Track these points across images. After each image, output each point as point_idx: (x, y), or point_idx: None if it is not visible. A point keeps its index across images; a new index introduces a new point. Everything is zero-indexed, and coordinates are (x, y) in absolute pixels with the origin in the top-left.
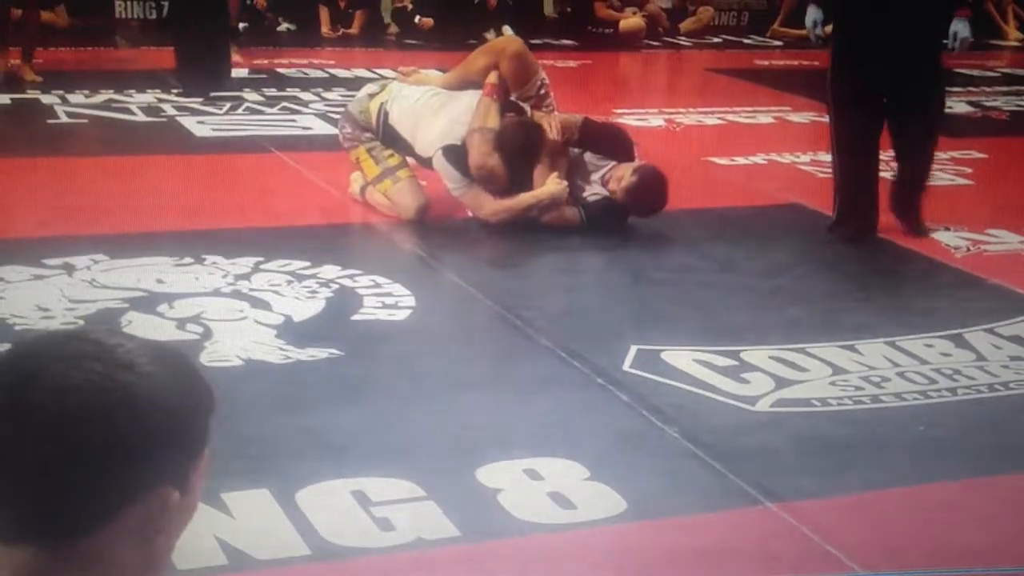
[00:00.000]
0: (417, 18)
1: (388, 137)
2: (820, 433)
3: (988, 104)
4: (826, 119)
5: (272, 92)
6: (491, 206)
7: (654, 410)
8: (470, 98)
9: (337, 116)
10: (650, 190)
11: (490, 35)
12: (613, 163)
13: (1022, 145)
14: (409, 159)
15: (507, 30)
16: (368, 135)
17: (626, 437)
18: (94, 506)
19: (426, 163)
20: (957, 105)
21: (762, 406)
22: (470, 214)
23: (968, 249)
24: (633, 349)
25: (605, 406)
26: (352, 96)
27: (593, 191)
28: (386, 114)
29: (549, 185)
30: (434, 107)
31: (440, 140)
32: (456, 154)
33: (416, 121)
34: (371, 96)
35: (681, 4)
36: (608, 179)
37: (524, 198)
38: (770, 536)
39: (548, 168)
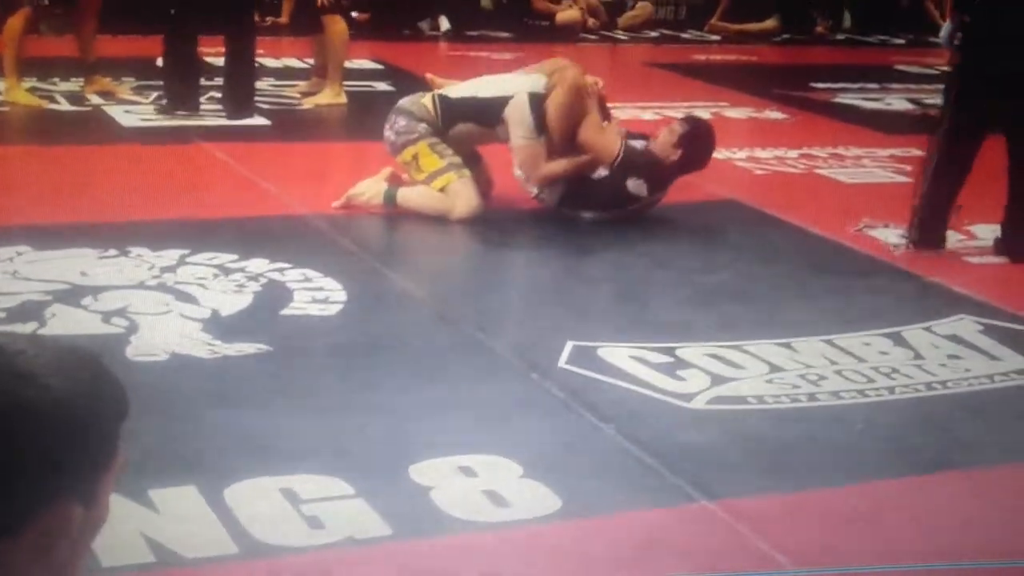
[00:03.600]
0: (354, 13)
1: (449, 114)
2: (756, 431)
3: (927, 102)
4: (765, 115)
5: (200, 81)
6: (547, 169)
7: (590, 407)
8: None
9: (264, 106)
10: (702, 138)
11: (424, 25)
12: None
13: None
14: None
15: (443, 21)
16: (424, 126)
17: (561, 434)
18: None
19: (490, 112)
20: (896, 102)
21: (698, 403)
22: (517, 172)
23: (906, 247)
24: (569, 345)
25: (540, 403)
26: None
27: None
28: (442, 96)
29: (609, 142)
30: (500, 75)
31: (527, 86)
32: (539, 106)
33: (486, 82)
34: (421, 94)
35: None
36: (652, 144)
37: (577, 165)
38: (706, 534)
39: (592, 121)
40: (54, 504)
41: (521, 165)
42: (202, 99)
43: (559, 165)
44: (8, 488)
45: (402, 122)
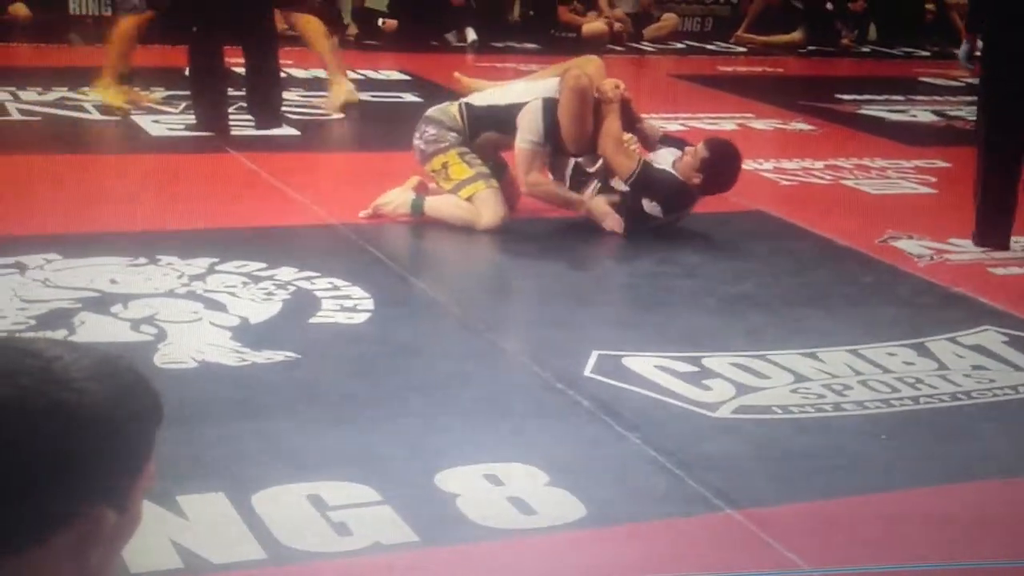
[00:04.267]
0: (381, 21)
1: (474, 123)
2: (781, 440)
3: (952, 114)
4: (791, 126)
5: (229, 92)
6: (536, 178)
7: (615, 416)
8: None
9: (293, 116)
10: (725, 164)
11: (451, 36)
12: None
13: None
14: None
15: (470, 33)
16: (454, 135)
17: (586, 443)
18: (24, 527)
19: (509, 119)
20: (921, 114)
21: (723, 413)
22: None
23: (931, 258)
24: (594, 354)
25: (566, 411)
26: (308, 95)
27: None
28: (468, 104)
29: (598, 204)
30: (527, 81)
31: (546, 91)
32: (555, 111)
33: (508, 89)
34: (449, 103)
35: (646, 10)
36: (678, 162)
37: (567, 196)
38: (730, 543)
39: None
40: (88, 509)
41: (517, 165)
42: (231, 109)
43: (551, 185)
44: (43, 492)
45: (431, 131)
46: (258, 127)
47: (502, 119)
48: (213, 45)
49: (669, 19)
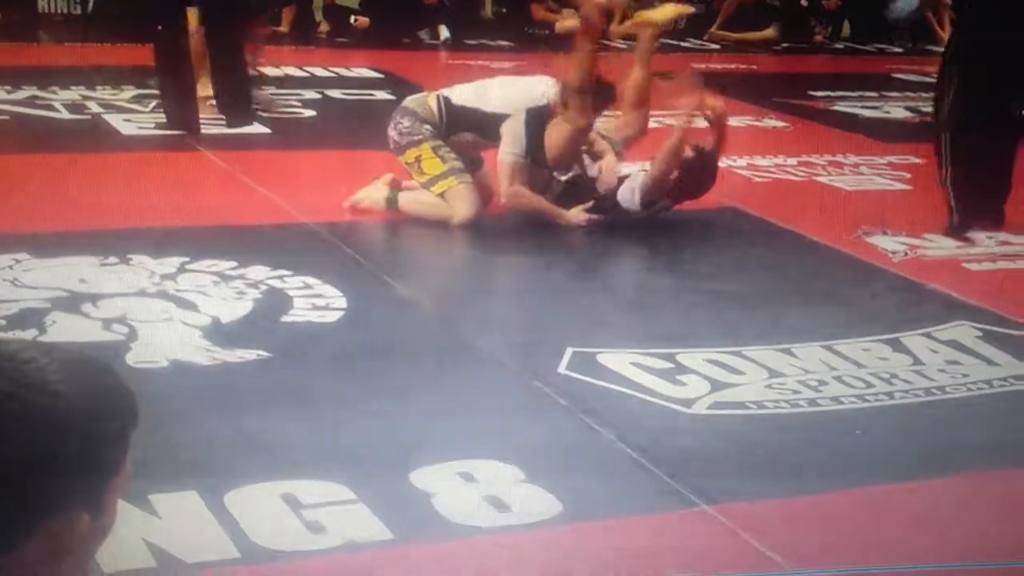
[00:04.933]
0: (353, 18)
1: (452, 120)
2: (756, 436)
3: (926, 109)
4: (765, 123)
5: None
6: (518, 189)
7: (590, 412)
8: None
9: (264, 114)
10: (702, 171)
11: (424, 34)
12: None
13: None
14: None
15: (443, 30)
16: (428, 128)
17: (562, 440)
18: (4, 529)
19: (490, 125)
20: (894, 110)
21: (698, 409)
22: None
23: (906, 254)
24: (569, 351)
25: (541, 409)
26: (280, 93)
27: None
28: (447, 99)
29: (575, 215)
30: (505, 79)
31: (525, 100)
32: (536, 122)
33: (487, 88)
34: (427, 94)
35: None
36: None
37: (547, 208)
38: (706, 539)
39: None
40: (62, 511)
41: (499, 176)
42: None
43: (533, 198)
44: (18, 495)
45: (405, 123)
46: (229, 125)
47: (484, 125)
48: (179, 43)
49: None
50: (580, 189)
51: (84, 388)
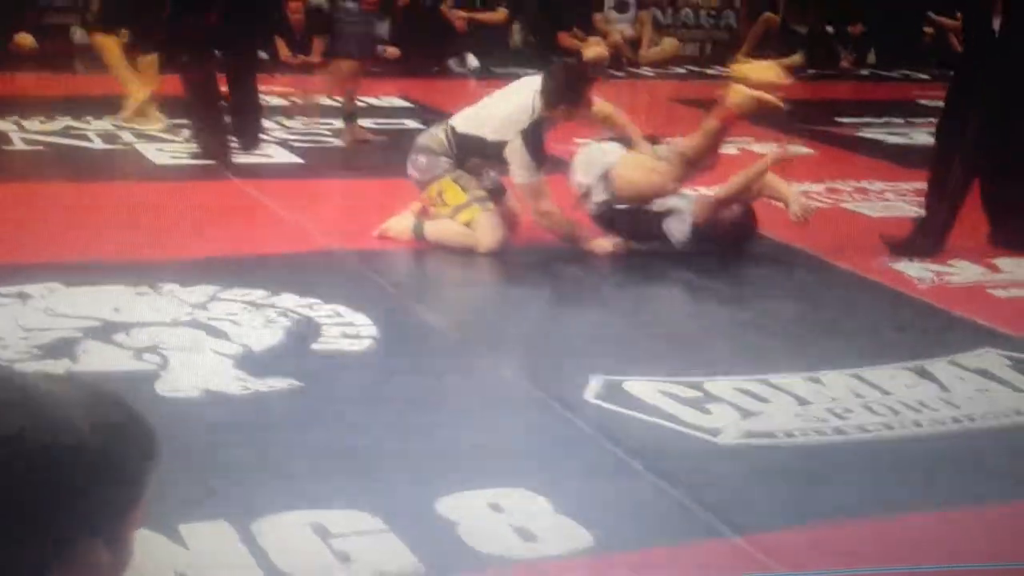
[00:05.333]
0: (382, 48)
1: (461, 149)
2: (783, 465)
3: None
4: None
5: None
6: (547, 207)
7: (617, 441)
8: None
9: (296, 144)
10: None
11: (452, 63)
12: None
13: None
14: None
15: (471, 59)
16: (445, 160)
17: (589, 469)
18: (14, 568)
19: (495, 153)
20: (920, 136)
21: (725, 438)
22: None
23: (932, 280)
24: (596, 379)
25: (568, 438)
26: (312, 122)
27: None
28: (452, 128)
29: (600, 244)
30: (495, 96)
31: (518, 122)
32: (534, 137)
33: (486, 109)
34: (437, 126)
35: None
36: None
37: (574, 230)
38: (734, 568)
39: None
40: (79, 547)
41: (521, 200)
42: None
43: (563, 218)
44: (34, 531)
45: (423, 160)
46: (243, 148)
47: (487, 152)
48: (207, 73)
49: (670, 43)
50: (637, 220)
51: (103, 422)
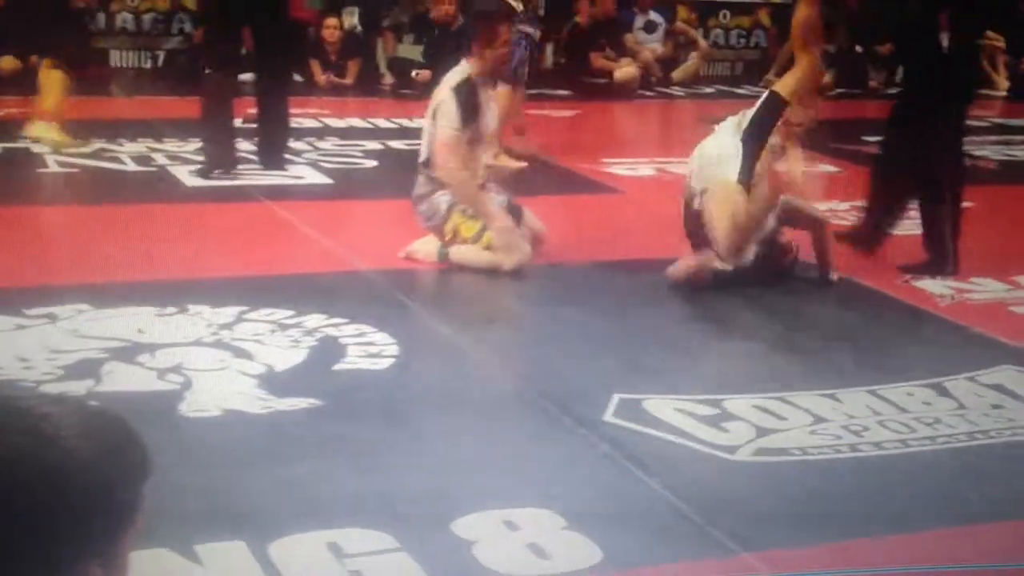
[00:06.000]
0: (415, 72)
1: (431, 179)
2: (798, 482)
3: (977, 153)
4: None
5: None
6: (457, 169)
7: (634, 460)
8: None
9: (327, 165)
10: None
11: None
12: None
13: (1008, 194)
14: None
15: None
16: (442, 196)
17: (605, 487)
18: None
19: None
20: None
21: (742, 455)
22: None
23: (952, 298)
24: (616, 398)
25: (585, 456)
26: (345, 144)
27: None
28: (422, 164)
29: (501, 222)
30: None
31: (451, 80)
32: (467, 93)
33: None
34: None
35: (674, 53)
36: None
37: (485, 207)
38: None
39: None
40: (75, 566)
41: (435, 153)
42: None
43: (471, 190)
44: (31, 550)
45: (423, 207)
46: (265, 168)
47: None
48: (228, 90)
49: (692, 64)
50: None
51: (98, 442)
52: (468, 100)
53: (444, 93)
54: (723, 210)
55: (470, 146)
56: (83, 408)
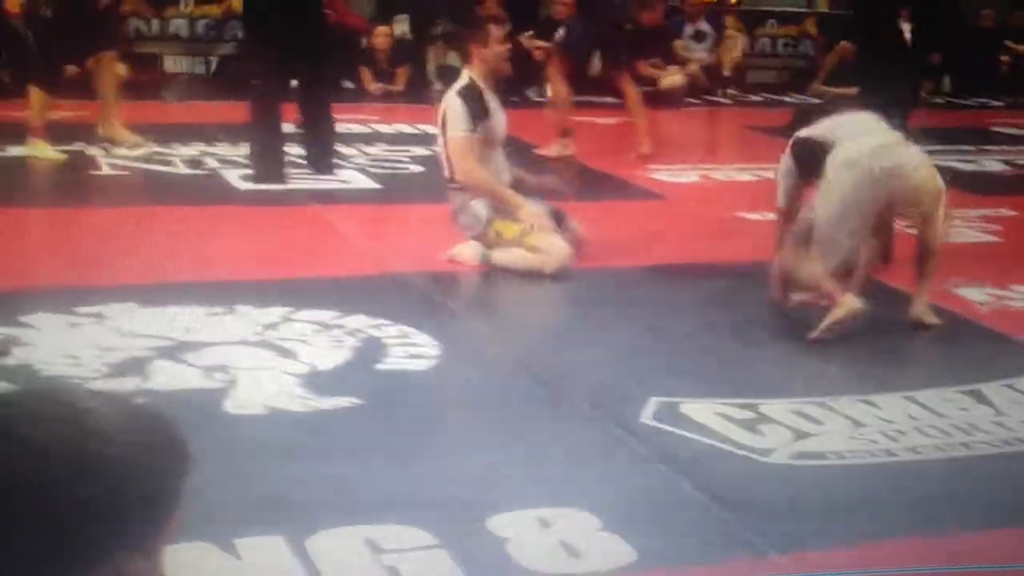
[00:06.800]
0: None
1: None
2: (834, 486)
3: (1021, 162)
4: None
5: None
6: (474, 168)
7: (669, 461)
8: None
9: (375, 170)
10: None
11: (531, 92)
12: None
13: None
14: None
15: (550, 88)
16: (479, 204)
17: (640, 488)
18: (53, 573)
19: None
20: (990, 164)
21: (778, 458)
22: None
23: (992, 305)
24: (653, 401)
25: (621, 457)
26: (392, 149)
27: None
28: (448, 180)
29: (528, 209)
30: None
31: (455, 86)
32: (473, 95)
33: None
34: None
35: (719, 61)
36: None
37: (510, 197)
38: None
39: None
40: (118, 556)
41: (450, 155)
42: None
43: (487, 181)
44: (68, 540)
45: (463, 219)
46: (316, 173)
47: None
48: (274, 98)
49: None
50: None
51: (138, 437)
52: (475, 102)
53: (450, 99)
54: None
55: (485, 148)
56: (126, 404)
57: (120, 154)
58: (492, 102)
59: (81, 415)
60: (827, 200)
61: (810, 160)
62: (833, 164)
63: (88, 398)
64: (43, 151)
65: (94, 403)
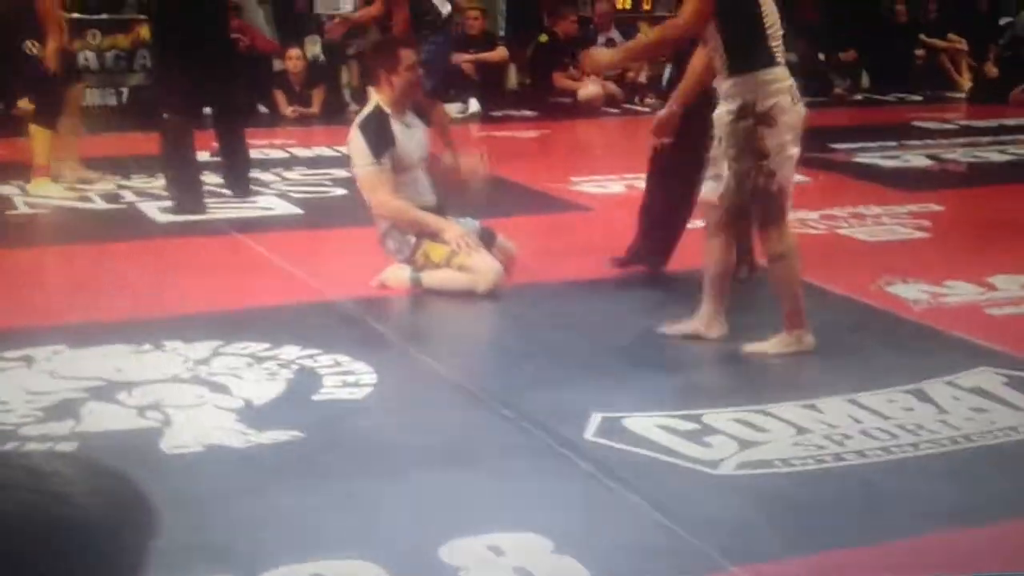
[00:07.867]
0: None
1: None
2: (783, 494)
3: (946, 157)
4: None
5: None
6: (388, 200)
7: (617, 478)
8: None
9: (296, 195)
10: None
11: (453, 107)
12: None
13: (978, 196)
14: None
15: (473, 103)
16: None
17: (589, 507)
18: None
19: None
20: (914, 159)
21: (725, 469)
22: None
23: (927, 302)
24: (596, 417)
25: (568, 476)
26: (311, 173)
27: None
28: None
29: (452, 230)
30: None
31: (358, 118)
32: (375, 125)
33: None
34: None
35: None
36: None
37: (432, 221)
38: None
39: None
40: None
41: (362, 190)
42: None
43: (401, 208)
44: None
45: (390, 244)
46: (234, 195)
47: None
48: (186, 127)
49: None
50: None
51: (108, 500)
52: (375, 133)
53: (352, 133)
54: None
55: (399, 174)
56: (92, 466)
57: (37, 192)
58: (402, 125)
59: (47, 478)
60: None
61: None
62: None
63: (53, 460)
64: None
65: (59, 465)
